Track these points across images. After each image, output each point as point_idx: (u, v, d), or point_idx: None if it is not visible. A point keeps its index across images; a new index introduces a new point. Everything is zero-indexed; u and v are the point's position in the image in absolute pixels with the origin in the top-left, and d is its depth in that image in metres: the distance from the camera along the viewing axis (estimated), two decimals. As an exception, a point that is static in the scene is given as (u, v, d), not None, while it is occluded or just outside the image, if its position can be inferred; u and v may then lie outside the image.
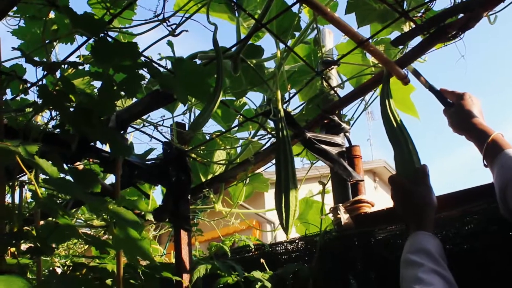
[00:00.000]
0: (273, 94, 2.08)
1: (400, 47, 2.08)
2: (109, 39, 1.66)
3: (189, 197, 2.39)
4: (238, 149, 2.70)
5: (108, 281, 2.03)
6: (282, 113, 1.88)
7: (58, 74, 1.81)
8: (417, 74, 1.90)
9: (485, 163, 1.57)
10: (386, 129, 1.75)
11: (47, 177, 1.44)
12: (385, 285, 1.93)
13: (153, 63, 1.81)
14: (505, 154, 1.48)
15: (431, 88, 1.84)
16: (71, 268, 2.09)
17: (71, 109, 1.65)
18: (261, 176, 2.98)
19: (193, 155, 2.57)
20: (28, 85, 1.83)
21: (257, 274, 2.17)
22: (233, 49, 1.98)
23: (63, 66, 1.89)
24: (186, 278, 2.26)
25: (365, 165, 2.23)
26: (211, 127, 4.32)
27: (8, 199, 1.83)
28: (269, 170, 3.84)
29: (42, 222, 1.91)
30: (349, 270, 2.04)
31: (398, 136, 1.70)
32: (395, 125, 1.73)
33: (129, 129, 2.20)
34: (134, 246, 1.51)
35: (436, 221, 1.61)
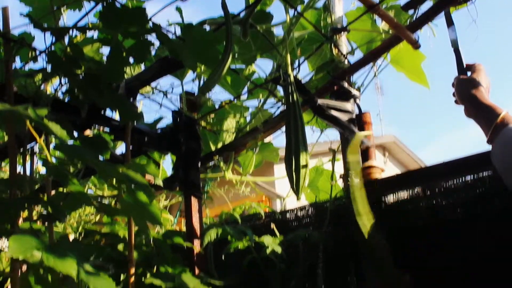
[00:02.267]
0: (283, 60, 2.07)
1: (411, 11, 2.06)
2: (117, 5, 1.64)
3: (199, 165, 2.39)
4: (248, 118, 2.70)
5: (120, 247, 2.06)
6: (292, 77, 1.86)
7: (66, 41, 1.80)
8: (450, 23, 1.69)
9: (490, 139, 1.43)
10: None
11: (58, 144, 1.45)
12: (395, 250, 1.94)
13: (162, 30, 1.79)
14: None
15: (457, 49, 1.68)
16: (83, 234, 2.12)
17: (80, 76, 1.65)
18: (271, 146, 2.98)
19: (203, 123, 2.57)
20: (37, 52, 1.83)
21: (267, 239, 2.18)
22: (241, 15, 1.97)
23: (71, 33, 1.88)
24: (197, 244, 2.28)
25: (375, 140, 2.20)
26: (221, 94, 4.30)
27: (19, 169, 1.85)
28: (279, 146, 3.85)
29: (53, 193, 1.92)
30: (360, 236, 2.04)
31: None
32: None
33: (139, 97, 2.20)
34: (143, 211, 1.52)
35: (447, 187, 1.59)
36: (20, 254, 1.14)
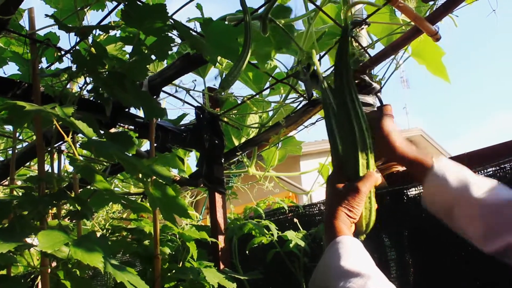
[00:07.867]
0: (303, 55, 2.07)
1: (431, 2, 2.05)
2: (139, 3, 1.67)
3: (223, 161, 2.42)
4: (270, 113, 2.71)
5: (146, 242, 2.09)
6: (318, 67, 1.81)
7: (90, 40, 1.84)
8: None
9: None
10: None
11: (85, 141, 1.48)
12: (417, 242, 1.94)
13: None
14: (450, 166, 1.30)
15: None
16: (110, 231, 2.16)
17: (105, 75, 1.69)
18: (294, 139, 2.98)
19: (225, 119, 2.59)
20: (62, 52, 1.87)
21: (290, 233, 2.20)
22: (260, 10, 1.97)
23: (94, 32, 1.92)
24: (221, 239, 2.31)
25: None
26: (243, 89, 4.32)
27: (47, 168, 1.89)
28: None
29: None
30: (382, 228, 2.05)
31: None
32: None
33: (162, 94, 2.23)
34: (170, 204, 1.55)
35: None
36: (49, 248, 1.17)
